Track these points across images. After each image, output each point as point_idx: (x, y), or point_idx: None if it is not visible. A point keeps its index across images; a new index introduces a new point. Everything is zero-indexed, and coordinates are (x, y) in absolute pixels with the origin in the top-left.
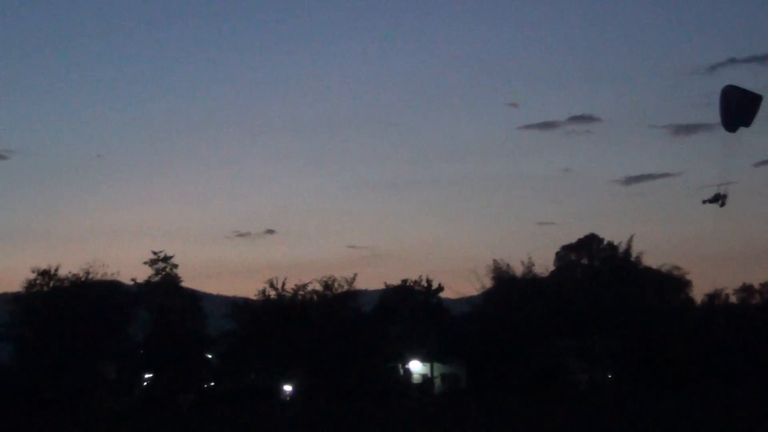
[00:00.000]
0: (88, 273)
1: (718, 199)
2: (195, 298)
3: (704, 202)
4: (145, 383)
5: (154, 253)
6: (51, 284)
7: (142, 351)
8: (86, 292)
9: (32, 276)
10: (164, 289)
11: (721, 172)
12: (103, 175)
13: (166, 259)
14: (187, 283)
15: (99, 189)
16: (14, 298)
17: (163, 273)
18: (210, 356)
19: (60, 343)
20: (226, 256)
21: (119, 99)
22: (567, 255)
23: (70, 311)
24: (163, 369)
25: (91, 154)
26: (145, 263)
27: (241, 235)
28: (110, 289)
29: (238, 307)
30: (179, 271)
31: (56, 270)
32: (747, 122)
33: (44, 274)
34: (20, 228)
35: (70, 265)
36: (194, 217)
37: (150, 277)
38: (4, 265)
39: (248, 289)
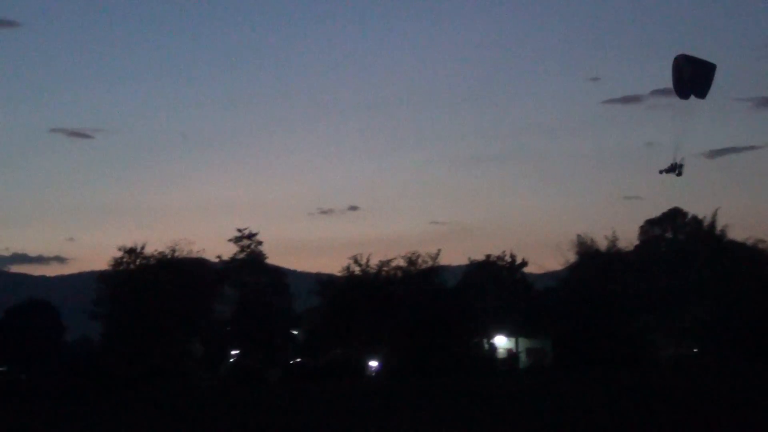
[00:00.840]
0: (173, 250)
1: (675, 168)
2: (280, 274)
3: (661, 172)
4: (231, 360)
5: (239, 230)
6: (137, 262)
7: (228, 328)
8: (172, 269)
9: (119, 254)
10: (249, 266)
11: (677, 141)
12: (187, 153)
13: (250, 236)
14: (271, 259)
15: (183, 167)
16: (101, 276)
17: (248, 250)
18: (296, 332)
19: (147, 320)
20: (309, 232)
21: (203, 77)
22: (651, 229)
23: (157, 289)
24: (249, 345)
25: (175, 132)
26: (230, 240)
27: (324, 211)
28: (196, 266)
29: (322, 283)
30: (264, 248)
31: (142, 248)
32: (702, 93)
33: (130, 252)
34: (106, 206)
35: (155, 242)
36: (278, 194)
37: (235, 254)
38: (91, 243)
39: (332, 265)
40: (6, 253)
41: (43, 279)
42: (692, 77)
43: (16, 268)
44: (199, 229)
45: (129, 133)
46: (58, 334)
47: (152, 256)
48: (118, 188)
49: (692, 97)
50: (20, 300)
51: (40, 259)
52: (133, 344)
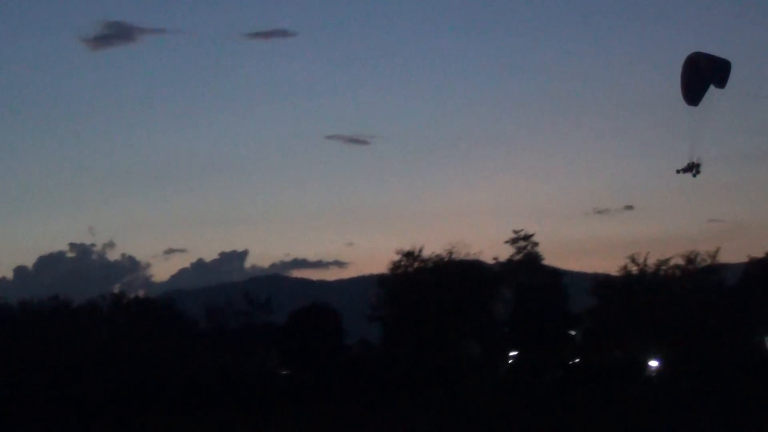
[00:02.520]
0: (451, 253)
1: (692, 168)
2: (556, 275)
3: (678, 171)
4: (510, 361)
5: (515, 231)
6: (415, 265)
7: (506, 329)
8: (450, 272)
9: (397, 257)
10: (526, 267)
11: (691, 145)
12: (461, 156)
13: (526, 237)
14: (548, 260)
15: (458, 170)
16: (379, 279)
17: (525, 251)
18: (573, 333)
19: (425, 323)
20: (585, 232)
21: (475, 80)
22: None
23: (435, 291)
24: (527, 347)
25: (450, 135)
26: (507, 242)
27: (599, 211)
28: (473, 268)
29: (599, 283)
30: (540, 249)
31: (420, 251)
32: (722, 82)
33: (408, 255)
34: (383, 210)
35: (432, 245)
36: (553, 195)
37: (512, 255)
38: (369, 247)
39: (609, 265)
40: (287, 259)
41: (323, 283)
42: (711, 69)
43: (296, 273)
44: (476, 230)
45: (404, 138)
46: (339, 337)
47: (430, 258)
48: (394, 192)
49: (703, 101)
50: (301, 305)
51: (319, 264)
52: (412, 347)
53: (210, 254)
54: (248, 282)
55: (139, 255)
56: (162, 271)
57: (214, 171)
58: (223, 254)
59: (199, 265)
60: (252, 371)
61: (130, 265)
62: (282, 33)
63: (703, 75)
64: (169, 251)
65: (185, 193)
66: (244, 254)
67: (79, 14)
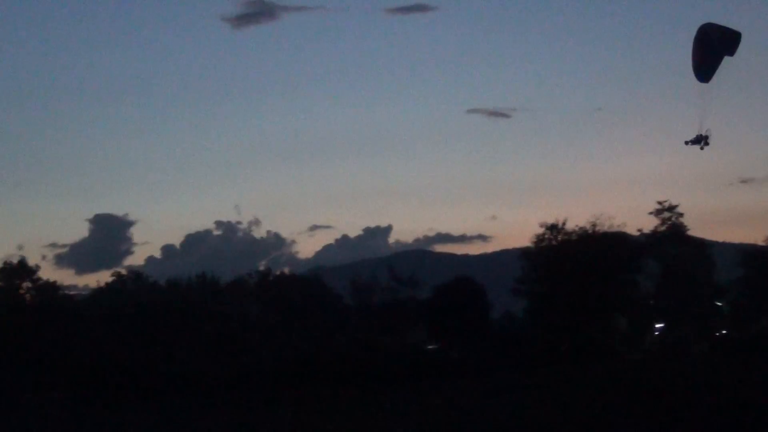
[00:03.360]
0: (594, 225)
1: (701, 140)
2: (702, 246)
3: (686, 143)
4: (656, 333)
5: (659, 202)
6: (559, 238)
7: (652, 301)
8: (594, 244)
9: (540, 230)
10: (671, 238)
11: (699, 119)
12: (603, 128)
13: (671, 208)
14: (693, 231)
15: (600, 141)
16: (523, 252)
17: (669, 222)
18: (720, 304)
19: (570, 296)
20: (730, 202)
21: (613, 51)
22: None
23: (579, 264)
24: (674, 319)
25: (591, 107)
26: (651, 213)
27: (744, 181)
28: (617, 240)
29: (747, 253)
30: (685, 220)
31: (563, 223)
32: (732, 50)
33: (552, 228)
34: (526, 184)
35: (576, 217)
36: (696, 165)
37: (656, 227)
38: (512, 221)
39: (755, 235)
40: (431, 234)
41: (467, 258)
42: (722, 38)
43: (440, 248)
44: (619, 202)
45: (546, 111)
46: (484, 311)
47: (573, 231)
48: (537, 165)
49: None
50: (445, 280)
51: (463, 238)
52: (557, 320)
53: (354, 230)
54: (392, 257)
55: (284, 232)
56: (307, 248)
57: (357, 147)
58: (367, 230)
59: (344, 241)
60: (399, 346)
61: (276, 242)
62: (422, 7)
63: (715, 43)
64: (314, 228)
65: (329, 170)
66: (387, 229)
67: None
